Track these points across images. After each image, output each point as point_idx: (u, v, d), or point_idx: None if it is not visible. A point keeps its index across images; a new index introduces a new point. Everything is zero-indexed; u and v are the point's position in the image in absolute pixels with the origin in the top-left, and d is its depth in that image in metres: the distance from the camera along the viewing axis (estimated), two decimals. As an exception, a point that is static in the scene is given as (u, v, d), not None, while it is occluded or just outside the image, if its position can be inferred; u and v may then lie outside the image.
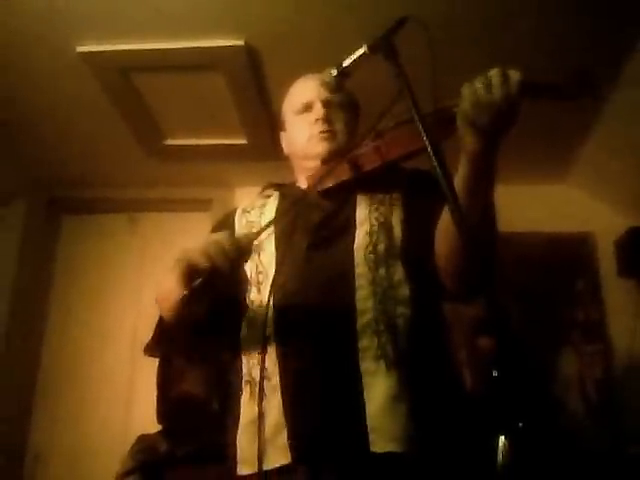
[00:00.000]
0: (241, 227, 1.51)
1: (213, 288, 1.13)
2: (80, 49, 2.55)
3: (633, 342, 3.04)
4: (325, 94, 1.51)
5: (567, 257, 3.29)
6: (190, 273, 1.12)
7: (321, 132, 1.48)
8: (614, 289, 3.22)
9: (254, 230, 1.47)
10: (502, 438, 2.21)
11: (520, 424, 0.99)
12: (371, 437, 1.19)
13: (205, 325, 1.37)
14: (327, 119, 1.49)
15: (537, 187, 3.34)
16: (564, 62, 2.45)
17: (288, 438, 1.24)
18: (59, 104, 2.91)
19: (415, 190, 1.41)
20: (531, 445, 1.02)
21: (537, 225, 3.21)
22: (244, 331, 1.40)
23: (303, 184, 1.54)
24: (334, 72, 1.25)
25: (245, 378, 1.36)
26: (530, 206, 3.21)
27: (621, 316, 3.13)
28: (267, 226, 1.30)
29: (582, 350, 3.14)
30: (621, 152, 2.97)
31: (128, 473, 2.39)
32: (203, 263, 1.11)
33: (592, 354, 3.13)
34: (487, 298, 0.96)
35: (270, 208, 1.51)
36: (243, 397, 1.35)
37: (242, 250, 1.16)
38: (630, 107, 2.66)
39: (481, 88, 1.09)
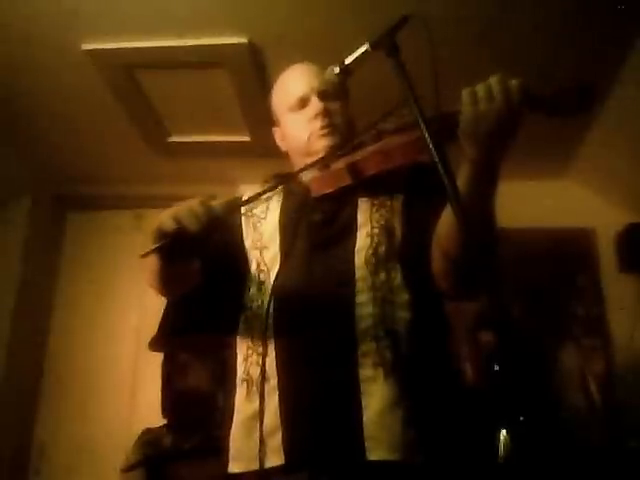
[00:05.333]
0: (246, 218, 1.50)
1: (185, 248, 1.16)
2: (85, 47, 2.57)
3: (633, 337, 3.05)
4: (319, 86, 1.44)
5: (568, 252, 3.30)
6: (159, 236, 1.15)
7: (322, 127, 1.43)
8: (614, 284, 3.23)
9: (259, 225, 1.47)
10: (503, 432, 2.23)
11: (521, 418, 1.00)
12: (367, 445, 1.17)
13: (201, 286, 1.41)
14: (326, 113, 1.43)
15: (538, 183, 3.33)
16: (564, 60, 2.47)
17: (283, 441, 1.23)
18: (64, 101, 2.92)
19: (417, 190, 1.37)
20: (532, 438, 1.03)
21: (538, 221, 3.20)
22: (242, 328, 1.39)
23: (305, 176, 1.48)
24: (336, 70, 1.23)
25: (242, 376, 1.34)
26: (531, 202, 3.20)
27: (621, 311, 3.13)
28: (246, 202, 1.31)
29: (583, 345, 3.14)
30: (621, 148, 2.97)
31: (132, 467, 2.40)
32: (170, 225, 1.14)
33: (592, 349, 3.13)
34: (488, 293, 0.96)
35: (274, 205, 1.48)
36: (238, 395, 1.34)
37: (215, 215, 1.17)
38: (631, 103, 2.66)
39: (482, 97, 1.07)
